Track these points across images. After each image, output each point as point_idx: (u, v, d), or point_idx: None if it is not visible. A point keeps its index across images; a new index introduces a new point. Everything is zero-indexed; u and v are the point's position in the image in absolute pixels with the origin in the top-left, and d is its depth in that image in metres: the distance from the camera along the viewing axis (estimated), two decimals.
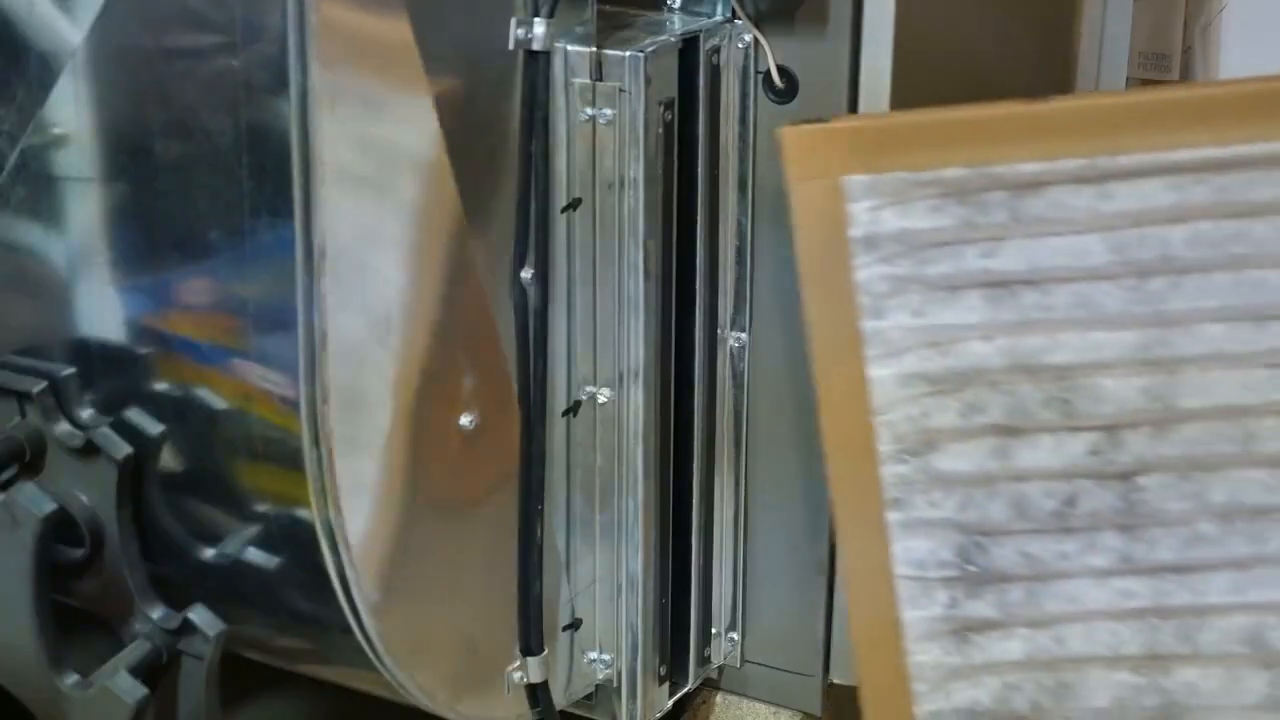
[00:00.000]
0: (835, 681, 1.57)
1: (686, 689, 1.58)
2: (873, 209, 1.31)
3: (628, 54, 1.37)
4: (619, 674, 1.51)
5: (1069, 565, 1.34)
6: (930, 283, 1.32)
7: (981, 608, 1.37)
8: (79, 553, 1.39)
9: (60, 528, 1.37)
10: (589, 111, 1.38)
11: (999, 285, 1.31)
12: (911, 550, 1.36)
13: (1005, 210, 1.29)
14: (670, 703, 1.56)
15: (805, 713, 1.59)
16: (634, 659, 1.50)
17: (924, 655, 1.38)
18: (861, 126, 1.34)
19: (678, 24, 1.43)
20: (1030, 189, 1.29)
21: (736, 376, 1.52)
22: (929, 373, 1.33)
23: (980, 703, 1.39)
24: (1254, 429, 1.30)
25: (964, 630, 1.37)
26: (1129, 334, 1.30)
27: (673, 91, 1.40)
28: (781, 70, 1.43)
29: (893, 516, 1.36)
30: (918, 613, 1.37)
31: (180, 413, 1.36)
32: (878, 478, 1.35)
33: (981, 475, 1.34)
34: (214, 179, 1.28)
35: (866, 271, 1.32)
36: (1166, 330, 1.29)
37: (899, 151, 1.30)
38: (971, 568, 1.36)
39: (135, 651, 1.38)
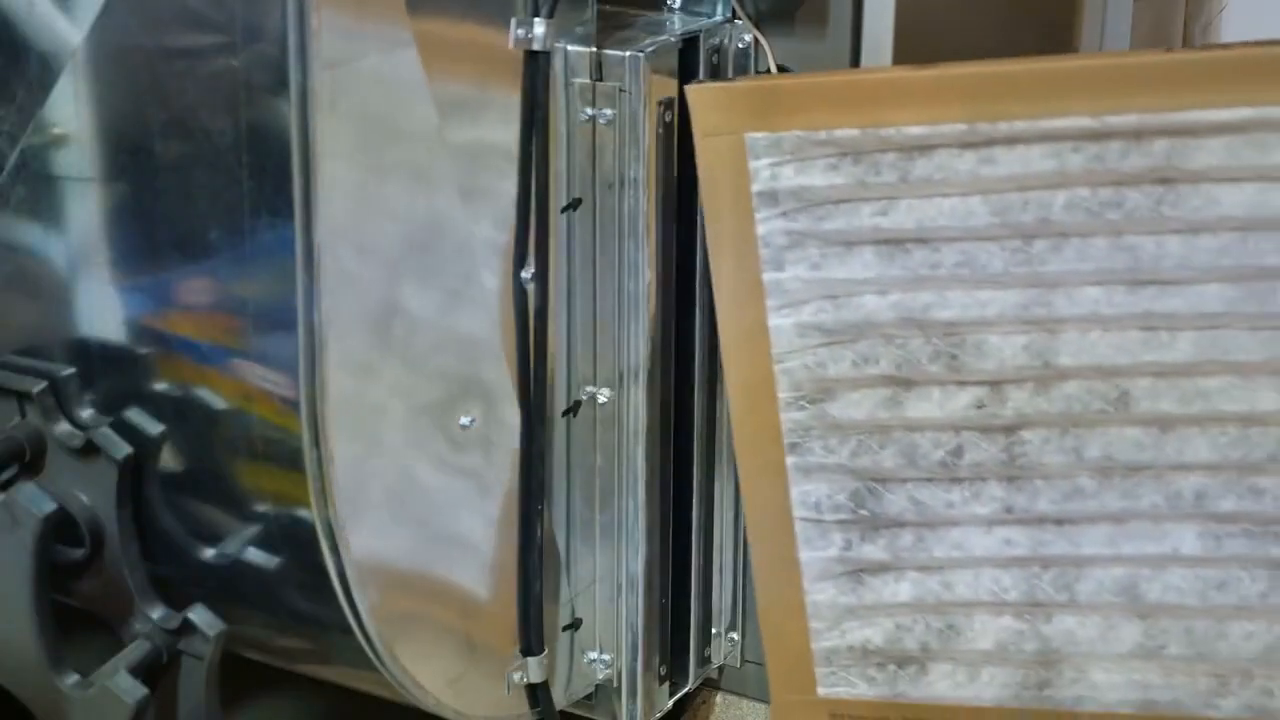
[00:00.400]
0: None
1: (686, 689, 1.58)
2: (773, 166, 1.35)
3: (628, 54, 1.37)
4: (619, 674, 1.51)
5: (955, 513, 1.40)
6: (827, 238, 1.36)
7: (874, 551, 1.42)
8: (79, 553, 1.39)
9: (60, 528, 1.37)
10: (589, 111, 1.38)
11: (891, 242, 1.35)
12: (808, 493, 1.42)
13: (896, 171, 1.34)
14: (670, 703, 1.56)
15: None
16: (634, 659, 1.50)
17: (820, 595, 1.44)
18: (762, 86, 1.38)
19: (678, 24, 1.43)
20: (918, 151, 1.33)
21: None
22: (825, 324, 1.38)
23: (872, 641, 1.44)
24: (1128, 388, 1.34)
25: (858, 571, 1.43)
26: (1012, 293, 1.34)
27: (673, 91, 1.40)
28: (781, 70, 1.43)
29: (792, 460, 1.41)
30: (814, 553, 1.43)
31: (180, 413, 1.36)
32: (778, 422, 1.40)
33: (874, 424, 1.39)
34: (214, 179, 1.28)
35: (767, 225, 1.37)
36: (1047, 291, 1.34)
37: (797, 111, 1.35)
38: (864, 512, 1.42)
39: (135, 651, 1.38)
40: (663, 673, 1.53)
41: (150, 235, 1.34)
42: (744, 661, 1.60)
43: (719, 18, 1.44)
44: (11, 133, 1.37)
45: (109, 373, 1.39)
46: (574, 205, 1.40)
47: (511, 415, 1.37)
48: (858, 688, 1.46)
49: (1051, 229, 1.32)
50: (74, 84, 1.33)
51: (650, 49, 1.38)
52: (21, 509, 1.36)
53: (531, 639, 1.40)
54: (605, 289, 1.42)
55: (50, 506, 1.36)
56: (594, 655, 1.51)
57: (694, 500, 1.53)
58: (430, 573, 1.40)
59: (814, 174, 1.35)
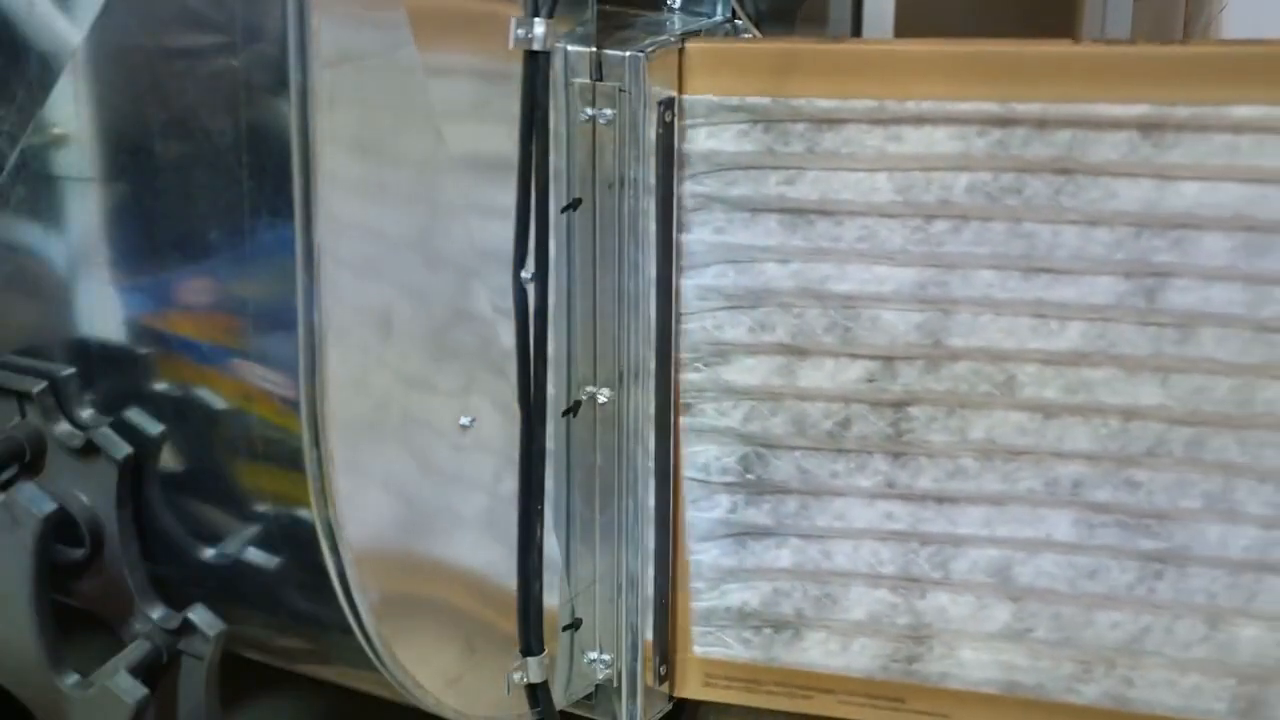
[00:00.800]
0: None
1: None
2: (687, 128, 1.38)
3: (628, 54, 1.37)
4: (619, 674, 1.51)
5: (839, 484, 1.42)
6: (732, 203, 1.39)
7: (759, 516, 1.44)
8: (79, 553, 1.39)
9: (60, 528, 1.37)
10: (589, 111, 1.38)
11: (794, 212, 1.37)
12: (698, 454, 1.44)
13: (804, 142, 1.36)
14: (670, 703, 1.56)
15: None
16: (634, 659, 1.50)
17: (704, 555, 1.46)
18: (681, 49, 1.39)
19: (678, 24, 1.43)
20: (827, 124, 1.35)
21: None
22: (724, 288, 1.40)
23: (749, 604, 1.46)
24: (1015, 373, 1.36)
25: (741, 535, 1.45)
26: (909, 271, 1.36)
27: (673, 91, 1.40)
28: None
29: (686, 421, 1.44)
30: (701, 514, 1.45)
31: (180, 413, 1.36)
32: (677, 382, 1.44)
33: (766, 390, 1.41)
34: (214, 179, 1.28)
35: (678, 186, 1.39)
36: (943, 271, 1.36)
37: (709, 76, 1.37)
38: (751, 476, 1.44)
39: (135, 651, 1.38)
40: (663, 673, 1.53)
41: (150, 235, 1.34)
42: None
43: (719, 18, 1.44)
44: (11, 133, 1.37)
45: (109, 373, 1.39)
46: (574, 205, 1.40)
47: (511, 415, 1.37)
48: (733, 649, 1.48)
49: (951, 210, 1.34)
50: (74, 84, 1.33)
51: (650, 49, 1.38)
52: (21, 509, 1.36)
53: (531, 639, 1.39)
54: (605, 289, 1.42)
55: (50, 506, 1.36)
56: (594, 655, 1.51)
57: None
58: (430, 573, 1.40)
59: (724, 139, 1.38)
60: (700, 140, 1.38)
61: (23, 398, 1.38)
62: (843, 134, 1.35)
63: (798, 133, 1.36)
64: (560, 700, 1.48)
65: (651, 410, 1.44)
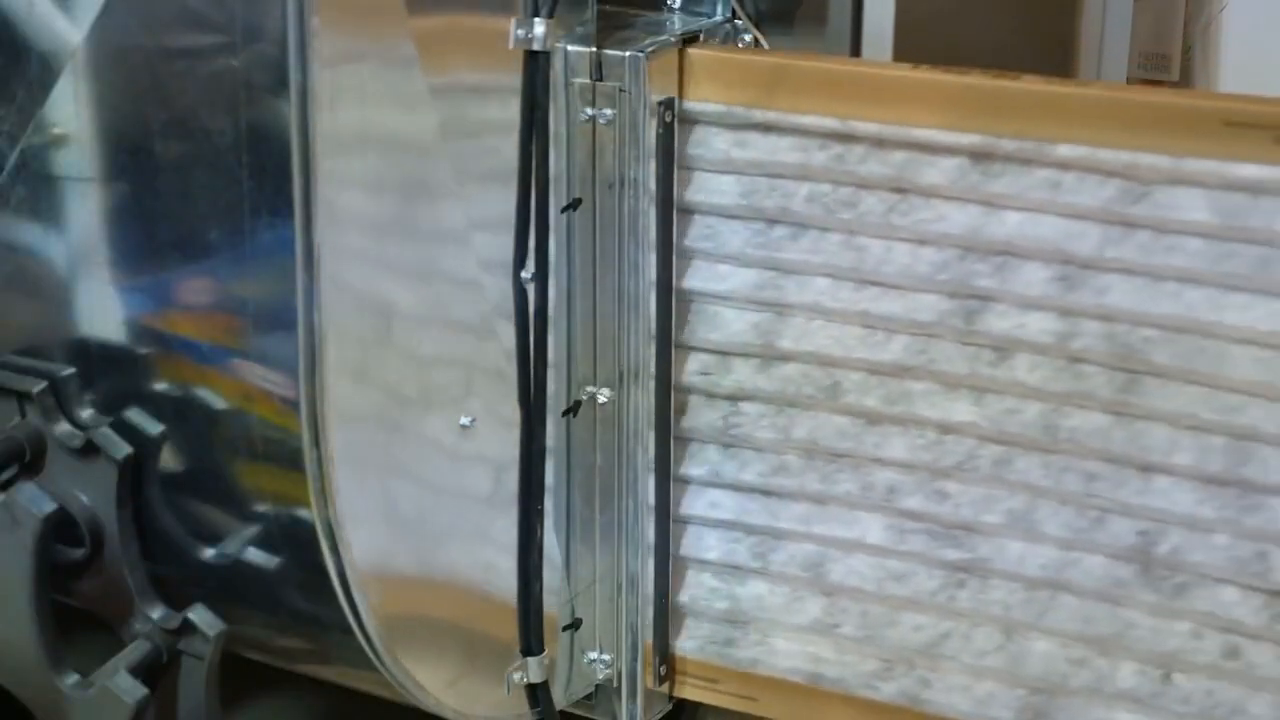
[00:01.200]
0: None
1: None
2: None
3: (628, 54, 1.37)
4: (619, 674, 1.51)
5: (674, 470, 1.47)
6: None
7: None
8: (79, 553, 1.39)
9: (60, 528, 1.37)
10: (589, 111, 1.38)
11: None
12: None
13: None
14: (670, 703, 1.56)
15: None
16: (634, 659, 1.50)
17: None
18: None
19: (678, 24, 1.43)
20: (686, 125, 1.40)
21: None
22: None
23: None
24: (840, 379, 1.40)
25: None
26: (749, 272, 1.41)
27: (673, 91, 1.40)
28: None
29: None
30: None
31: (180, 413, 1.36)
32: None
33: None
34: (214, 179, 1.28)
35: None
36: (780, 275, 1.40)
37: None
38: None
39: (135, 651, 1.38)
40: (663, 673, 1.53)
41: (150, 235, 1.34)
42: None
43: (719, 18, 1.44)
44: (11, 133, 1.37)
45: (109, 373, 1.39)
46: (574, 205, 1.40)
47: (511, 415, 1.37)
48: None
49: (791, 217, 1.38)
50: (74, 84, 1.33)
51: (650, 49, 1.38)
52: (21, 509, 1.36)
53: (531, 639, 1.39)
54: (605, 289, 1.42)
55: (50, 506, 1.36)
56: (594, 655, 1.51)
57: None
58: (430, 573, 1.40)
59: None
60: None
61: (23, 398, 1.38)
62: (694, 135, 1.40)
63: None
64: (560, 700, 1.48)
65: (652, 410, 1.44)
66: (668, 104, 1.39)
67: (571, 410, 1.45)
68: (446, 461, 1.38)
